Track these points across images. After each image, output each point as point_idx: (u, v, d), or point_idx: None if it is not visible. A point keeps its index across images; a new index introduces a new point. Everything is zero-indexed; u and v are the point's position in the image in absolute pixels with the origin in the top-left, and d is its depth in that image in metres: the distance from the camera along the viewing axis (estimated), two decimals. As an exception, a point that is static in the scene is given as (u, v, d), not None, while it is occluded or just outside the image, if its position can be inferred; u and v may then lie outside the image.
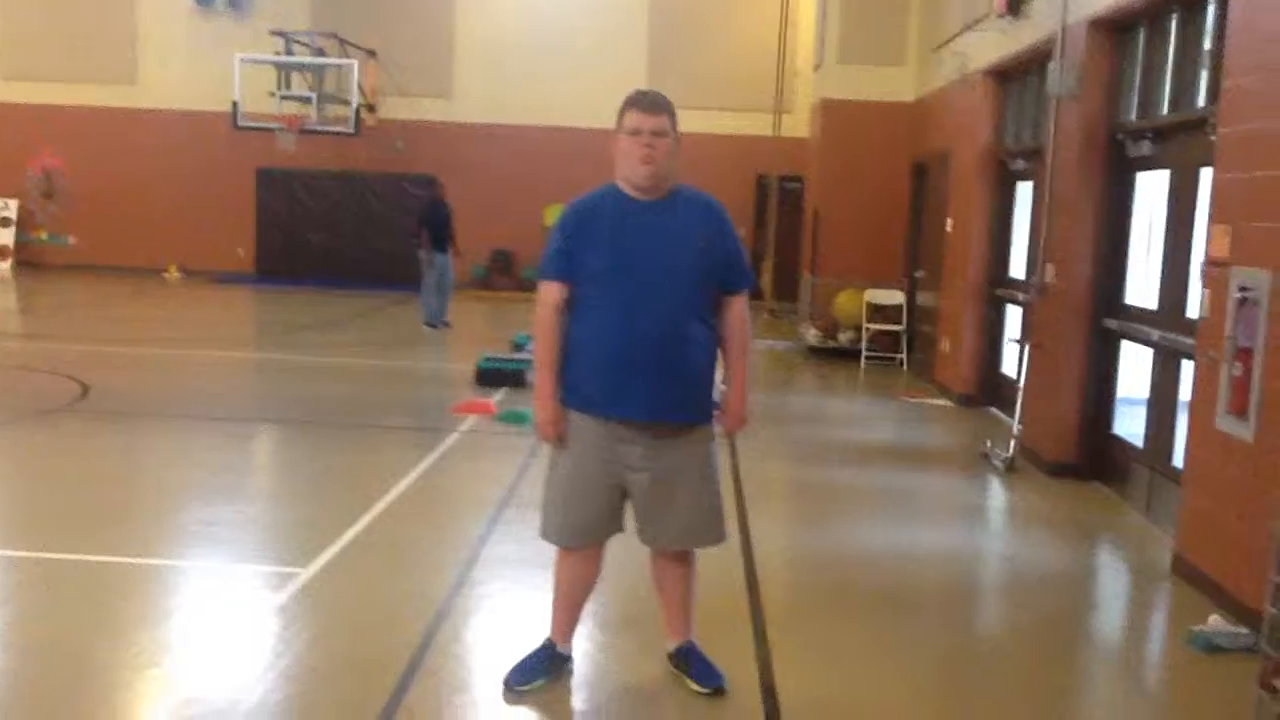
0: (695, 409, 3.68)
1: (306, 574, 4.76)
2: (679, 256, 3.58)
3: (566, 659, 3.90)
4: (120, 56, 19.91)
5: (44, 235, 20.41)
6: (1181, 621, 4.70)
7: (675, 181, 3.69)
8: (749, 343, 3.81)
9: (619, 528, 3.77)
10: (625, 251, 3.57)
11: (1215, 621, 4.54)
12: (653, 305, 3.54)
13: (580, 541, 3.74)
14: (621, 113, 3.63)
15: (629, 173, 3.61)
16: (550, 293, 3.64)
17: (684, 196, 3.69)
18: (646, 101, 3.63)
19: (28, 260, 20.01)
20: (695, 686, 3.78)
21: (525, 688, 3.75)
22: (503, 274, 19.27)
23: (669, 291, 3.56)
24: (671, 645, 3.89)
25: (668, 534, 3.72)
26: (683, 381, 3.62)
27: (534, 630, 3.99)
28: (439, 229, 13.91)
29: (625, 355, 3.55)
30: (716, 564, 5.14)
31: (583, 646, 4.05)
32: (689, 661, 3.84)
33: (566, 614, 3.87)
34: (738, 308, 3.73)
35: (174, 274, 19.64)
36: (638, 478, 3.64)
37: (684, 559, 3.83)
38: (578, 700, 3.78)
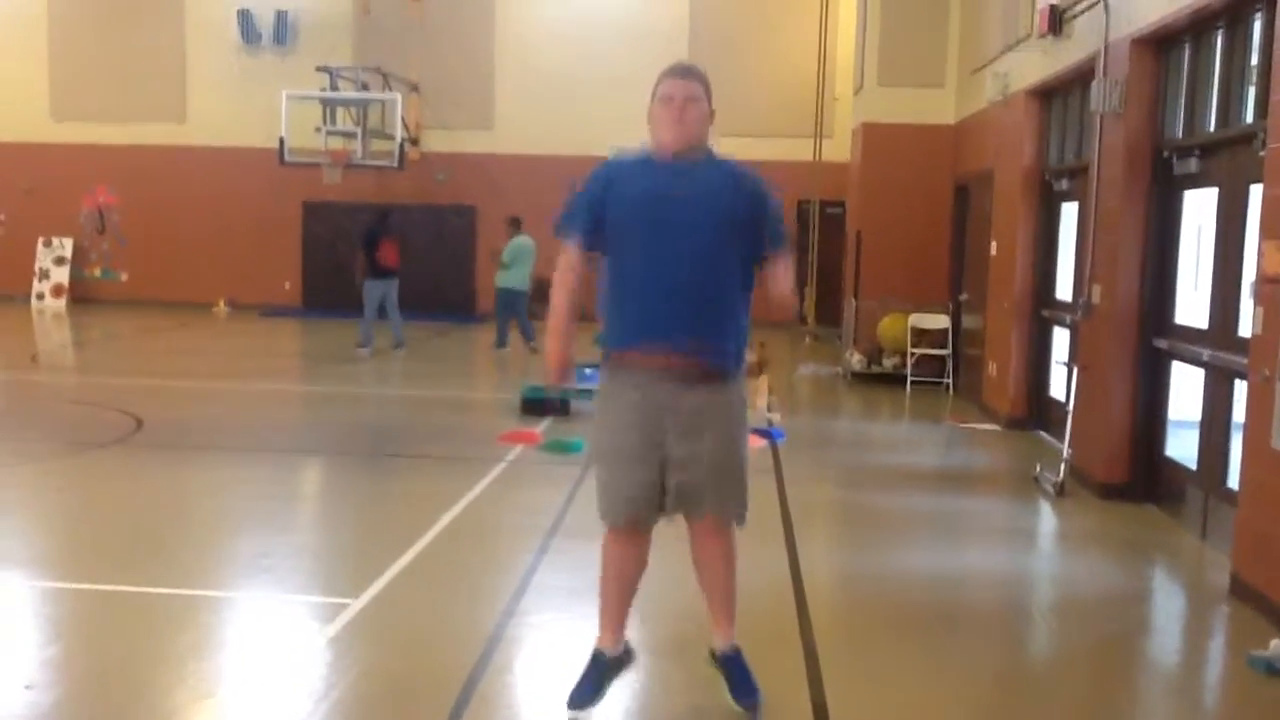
0: (724, 355, 3.67)
1: (357, 604, 4.79)
2: (707, 216, 3.61)
3: (622, 662, 3.85)
4: (170, 95, 20.30)
5: (97, 272, 20.81)
6: (1240, 644, 4.61)
7: (708, 149, 3.71)
8: (791, 283, 3.76)
9: (663, 508, 3.73)
10: (654, 207, 3.61)
11: (1276, 645, 4.44)
12: (683, 261, 3.57)
13: (628, 513, 3.70)
14: (657, 83, 3.68)
15: (660, 136, 3.64)
16: (569, 254, 3.73)
17: (715, 162, 3.72)
18: (679, 69, 3.69)
19: (81, 296, 20.40)
20: (731, 701, 3.75)
21: (585, 709, 3.73)
22: (544, 303, 19.33)
23: (698, 248, 3.59)
24: (718, 646, 3.84)
25: (694, 495, 3.68)
26: (713, 330, 3.64)
27: (585, 657, 3.98)
28: (368, 254, 14.29)
29: (656, 304, 3.60)
30: (766, 584, 5.14)
31: (632, 675, 4.02)
32: (731, 672, 3.79)
33: (614, 606, 3.82)
34: (781, 262, 3.73)
35: (222, 308, 19.92)
36: (672, 437, 3.63)
37: (721, 534, 3.78)
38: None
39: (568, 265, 3.74)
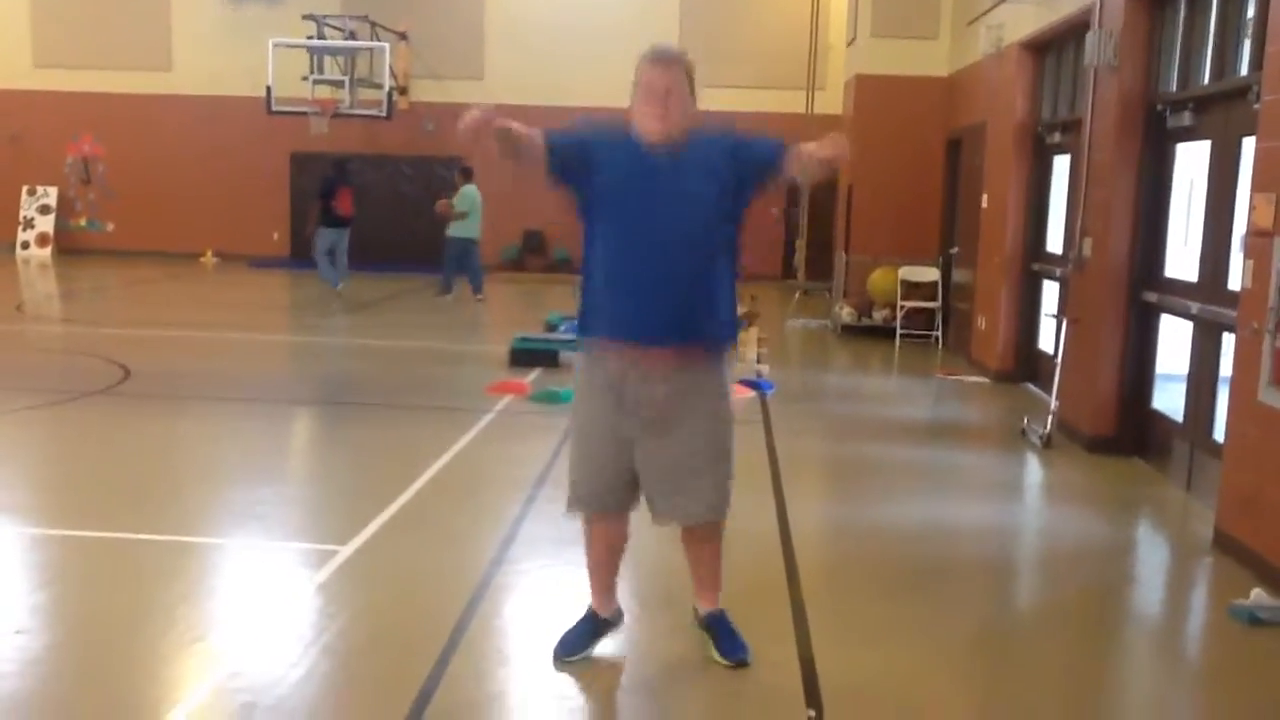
0: (711, 336, 3.61)
1: (346, 551, 4.81)
2: (688, 209, 3.51)
3: (612, 623, 3.91)
4: (155, 43, 20.06)
5: (83, 222, 20.67)
6: (1223, 595, 4.65)
7: (691, 128, 3.58)
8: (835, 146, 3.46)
9: (637, 497, 3.74)
10: (636, 195, 3.51)
11: (1258, 595, 4.49)
12: (664, 255, 3.48)
13: (599, 504, 3.72)
14: (637, 67, 3.56)
15: (644, 126, 3.54)
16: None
17: (696, 144, 3.57)
18: (660, 56, 3.54)
19: (67, 246, 20.26)
20: (718, 657, 3.79)
21: (572, 658, 3.78)
22: (534, 255, 19.30)
23: (680, 240, 3.50)
24: (702, 610, 3.90)
25: (670, 493, 3.66)
26: (696, 318, 3.55)
27: (573, 605, 4.01)
28: (324, 202, 14.70)
29: (635, 298, 3.51)
30: (754, 539, 5.16)
31: (624, 622, 4.05)
32: (717, 631, 3.84)
33: (601, 580, 3.89)
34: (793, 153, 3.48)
35: (210, 258, 19.81)
36: (646, 433, 3.59)
37: (705, 534, 3.81)
38: (620, 675, 3.80)
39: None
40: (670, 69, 3.52)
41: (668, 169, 3.53)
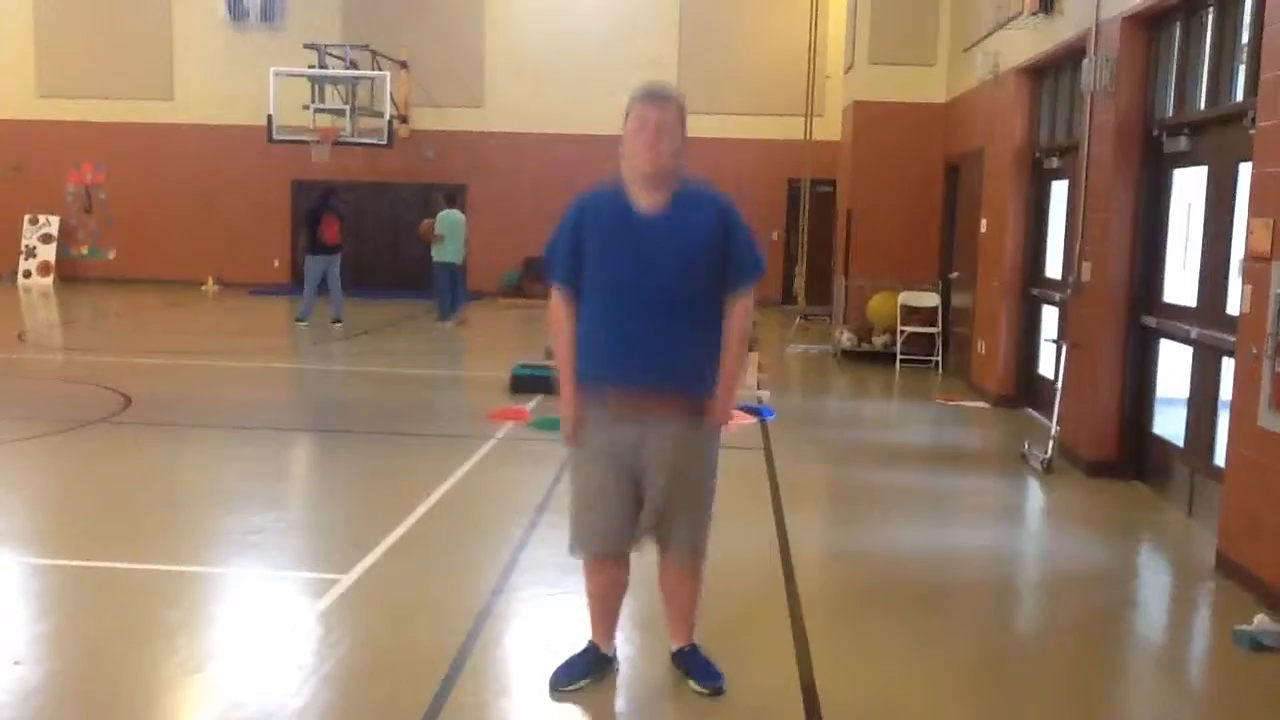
0: (699, 384, 3.64)
1: (347, 580, 4.80)
2: (680, 254, 3.55)
3: (611, 660, 3.93)
4: (157, 72, 20.17)
5: (84, 250, 20.72)
6: (1225, 620, 4.64)
7: (682, 177, 3.62)
8: (745, 336, 3.75)
9: (638, 539, 3.77)
10: (627, 242, 3.56)
11: (1261, 620, 4.48)
12: (655, 300, 3.53)
13: (601, 548, 3.75)
14: (629, 106, 3.58)
15: (633, 163, 3.56)
16: (559, 298, 3.71)
17: (688, 197, 3.62)
18: (654, 95, 3.57)
19: (69, 275, 20.31)
20: (696, 686, 3.79)
21: (569, 688, 3.78)
22: (535, 281, 19.32)
23: (670, 286, 3.54)
24: (674, 646, 3.92)
25: (662, 531, 3.71)
26: (686, 364, 3.61)
27: (574, 633, 4.01)
28: (310, 231, 14.74)
29: (628, 343, 3.55)
30: (755, 563, 5.16)
31: (623, 650, 4.05)
32: (690, 662, 3.85)
33: (603, 620, 3.91)
34: (740, 306, 3.67)
35: (211, 286, 19.84)
36: (646, 474, 3.63)
37: (687, 569, 3.83)
38: (620, 701, 3.79)
39: (561, 312, 3.69)
40: (664, 108, 3.55)
41: (656, 227, 3.57)
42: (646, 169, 3.54)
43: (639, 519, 3.70)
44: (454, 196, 15.42)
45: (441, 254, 14.91)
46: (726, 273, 3.63)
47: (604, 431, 3.65)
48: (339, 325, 14.52)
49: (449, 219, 14.96)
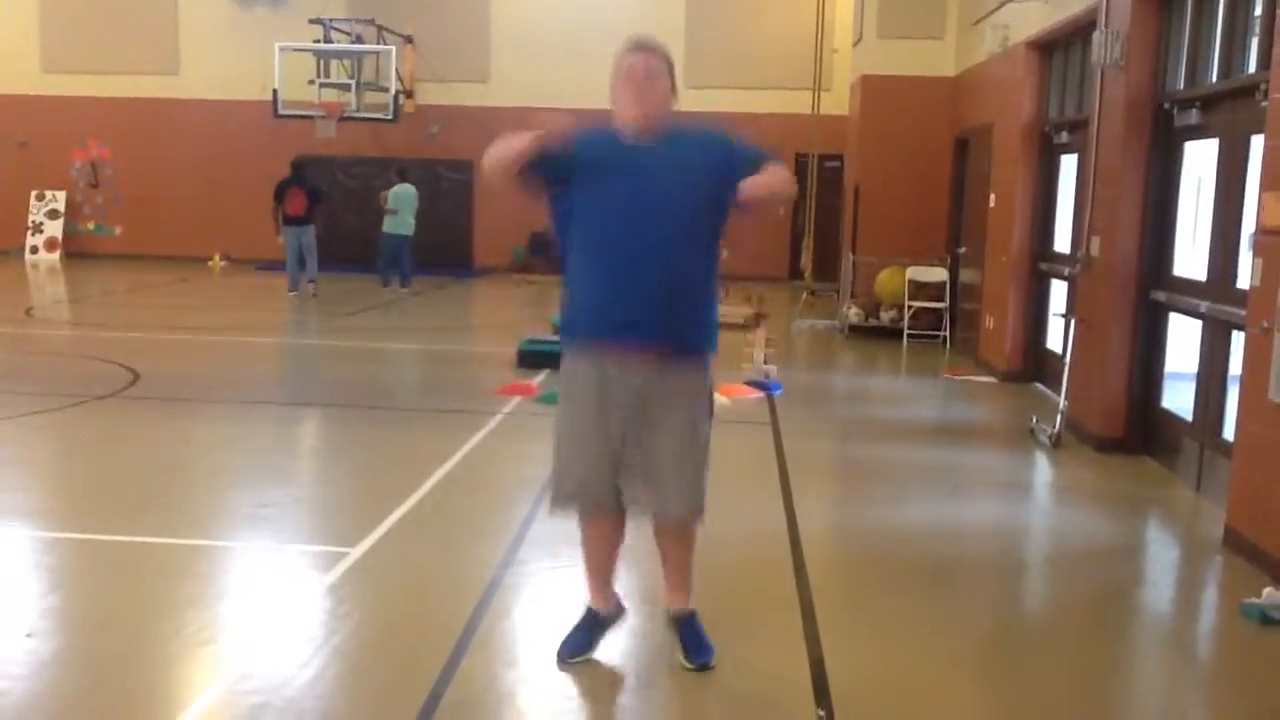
0: (694, 337, 3.62)
1: (355, 553, 4.82)
2: (674, 199, 3.51)
3: (612, 619, 3.92)
4: (162, 47, 20.11)
5: (91, 226, 20.71)
6: (1234, 594, 4.64)
7: (670, 125, 3.59)
8: (783, 176, 3.60)
9: (621, 502, 3.72)
10: (619, 188, 3.52)
11: (1269, 594, 4.48)
12: (648, 252, 3.48)
13: (581, 504, 3.73)
14: (617, 59, 3.57)
15: (623, 111, 3.55)
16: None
17: (679, 135, 3.59)
18: (640, 45, 3.57)
19: (75, 251, 20.31)
20: (684, 662, 3.78)
21: (575, 659, 3.79)
22: (540, 256, 19.29)
23: (664, 236, 3.50)
24: (672, 610, 3.87)
25: (649, 492, 3.66)
26: (680, 315, 3.56)
27: (581, 605, 4.01)
28: (277, 204, 15.21)
29: (619, 296, 3.51)
30: (763, 538, 5.17)
31: (630, 622, 4.05)
32: (685, 634, 3.82)
33: (597, 579, 3.90)
34: (760, 175, 3.49)
35: (218, 262, 19.84)
36: (630, 431, 3.60)
37: (679, 533, 3.79)
38: (628, 675, 3.80)
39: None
40: (649, 56, 3.55)
41: (647, 162, 3.53)
42: (636, 114, 3.52)
43: (629, 476, 3.64)
44: (405, 171, 16.46)
45: (393, 226, 15.88)
46: (735, 179, 3.46)
47: (592, 382, 3.61)
48: (313, 285, 15.12)
49: (402, 193, 15.91)
